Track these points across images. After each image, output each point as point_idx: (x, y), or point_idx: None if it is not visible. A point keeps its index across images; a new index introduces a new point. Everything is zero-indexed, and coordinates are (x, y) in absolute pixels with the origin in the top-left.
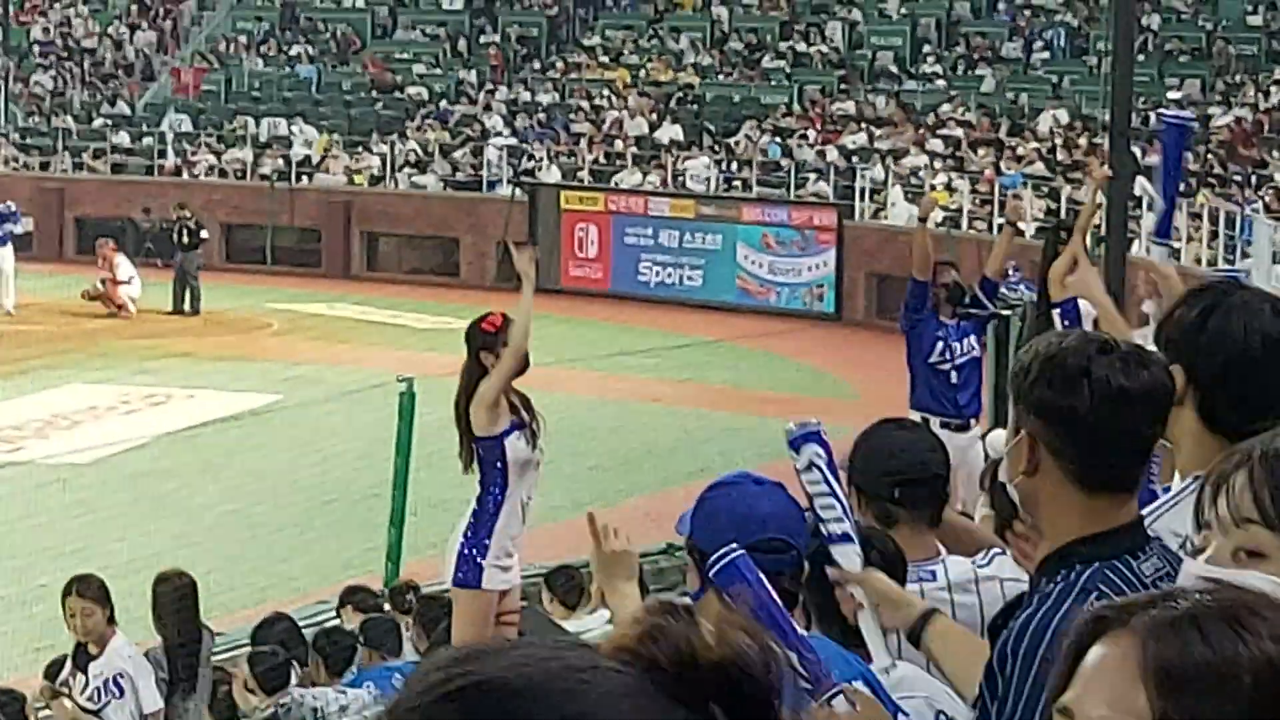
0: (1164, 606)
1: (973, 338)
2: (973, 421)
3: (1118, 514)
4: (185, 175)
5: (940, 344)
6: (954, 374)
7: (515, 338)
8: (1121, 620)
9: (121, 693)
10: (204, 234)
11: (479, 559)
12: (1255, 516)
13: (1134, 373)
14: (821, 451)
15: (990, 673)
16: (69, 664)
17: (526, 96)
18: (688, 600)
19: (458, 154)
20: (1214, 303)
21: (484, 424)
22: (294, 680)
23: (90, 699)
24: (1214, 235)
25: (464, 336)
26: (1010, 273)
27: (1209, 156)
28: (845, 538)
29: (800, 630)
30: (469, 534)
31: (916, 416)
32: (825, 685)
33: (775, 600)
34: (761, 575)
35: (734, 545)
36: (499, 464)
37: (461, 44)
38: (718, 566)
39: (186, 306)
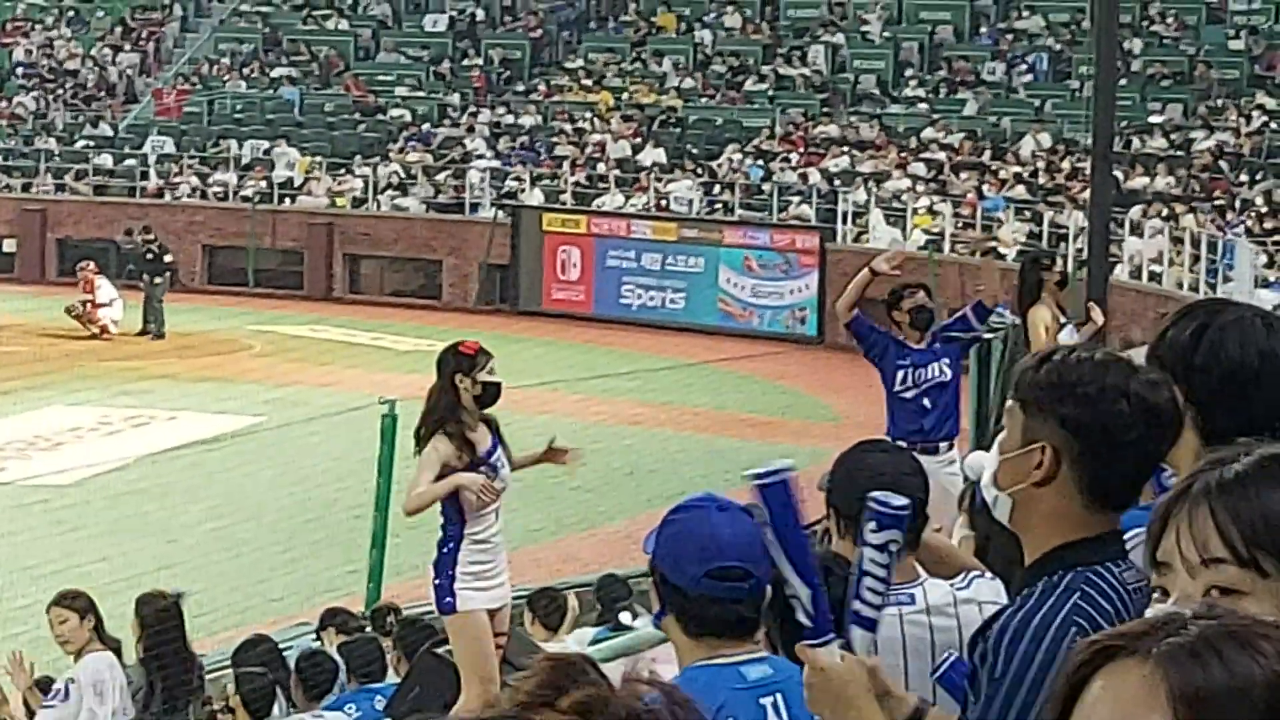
0: (1174, 632)
1: (944, 361)
2: (942, 445)
3: (1103, 525)
4: (168, 197)
5: (902, 372)
6: (924, 399)
7: (423, 497)
8: (1131, 649)
9: (67, 696)
10: (168, 258)
11: (450, 583)
12: (1225, 555)
13: (1160, 391)
14: (899, 539)
15: (973, 671)
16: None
17: (509, 119)
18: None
19: (440, 176)
20: (1206, 321)
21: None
22: (276, 704)
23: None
24: (1195, 259)
25: (436, 361)
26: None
27: (1191, 181)
28: (869, 623)
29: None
30: (437, 562)
31: None
32: (822, 630)
33: (801, 533)
34: (798, 505)
35: (790, 465)
36: (454, 501)
37: (444, 67)
38: (767, 480)
39: (152, 328)
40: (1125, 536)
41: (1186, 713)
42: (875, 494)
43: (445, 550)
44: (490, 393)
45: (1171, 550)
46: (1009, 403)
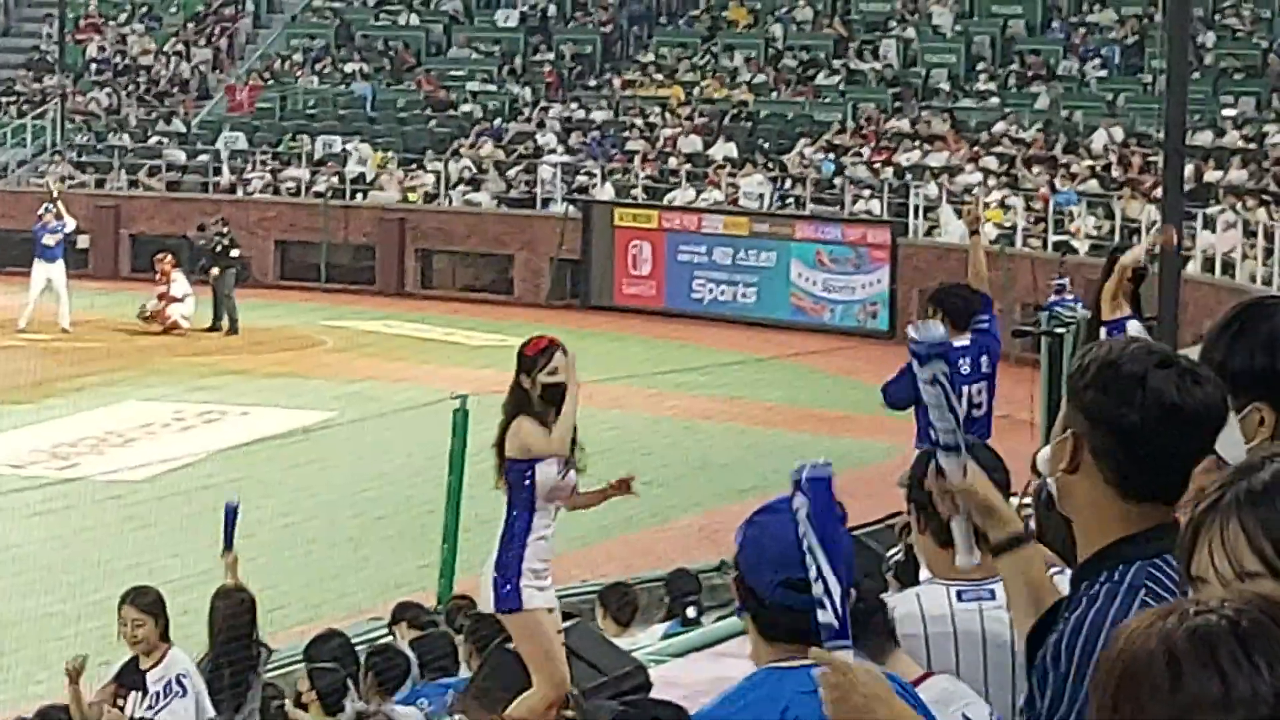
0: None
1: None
2: None
3: (1155, 517)
4: (240, 193)
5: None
6: None
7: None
8: None
9: (185, 691)
10: (235, 252)
11: (515, 581)
12: (1259, 568)
13: (1189, 390)
14: (946, 370)
15: (1042, 671)
16: (111, 680)
17: (580, 114)
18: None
19: (512, 171)
20: (1242, 323)
21: (516, 452)
22: (349, 698)
23: (149, 705)
24: (1269, 253)
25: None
26: (1065, 289)
27: (1265, 174)
28: (955, 448)
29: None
30: (500, 558)
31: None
32: (844, 633)
33: (842, 531)
34: (837, 504)
35: (828, 465)
36: (527, 487)
37: (516, 62)
38: (813, 476)
39: (224, 324)
40: None
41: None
42: (910, 332)
43: (512, 548)
44: (550, 394)
45: (1205, 565)
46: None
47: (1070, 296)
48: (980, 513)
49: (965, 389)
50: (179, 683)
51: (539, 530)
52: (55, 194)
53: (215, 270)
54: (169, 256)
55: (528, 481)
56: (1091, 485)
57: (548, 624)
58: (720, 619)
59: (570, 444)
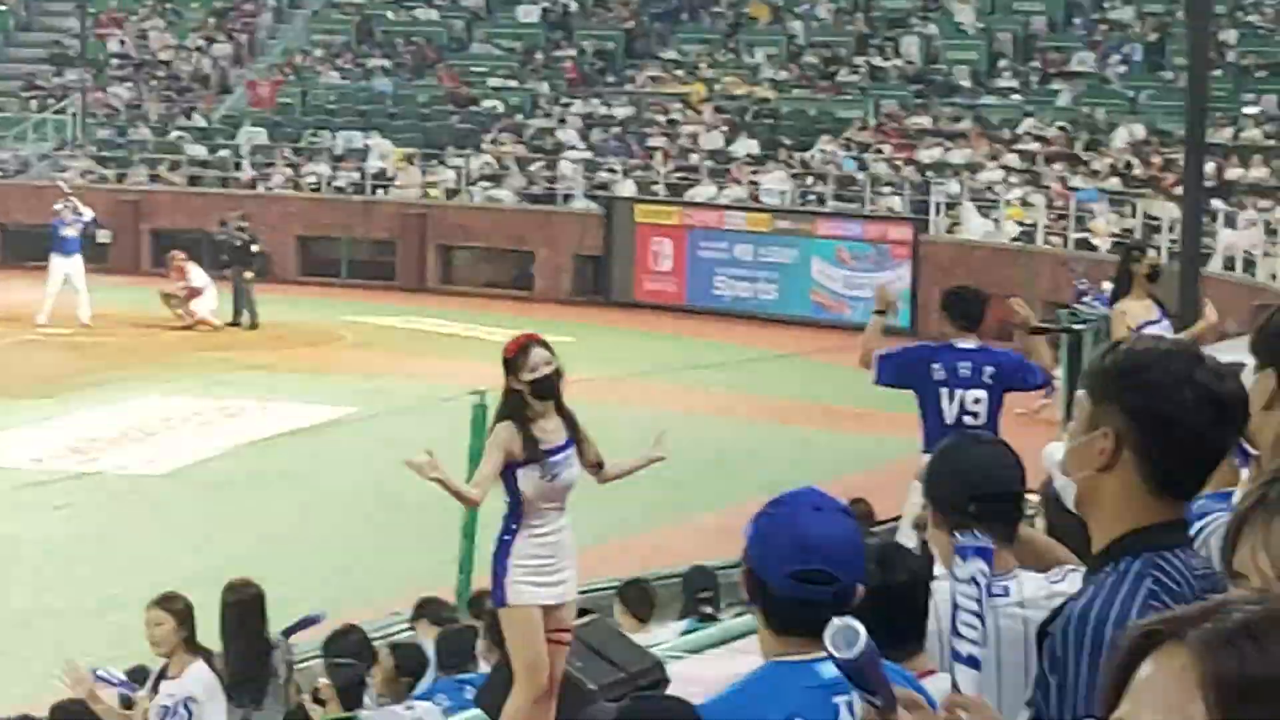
0: (1217, 618)
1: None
2: None
3: (1170, 513)
4: (261, 188)
5: None
6: None
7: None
8: (1174, 633)
9: (190, 716)
10: (255, 247)
11: (503, 575)
12: None
13: (1226, 382)
14: (986, 570)
15: (1048, 661)
16: (147, 686)
17: (602, 110)
18: None
19: (533, 167)
20: None
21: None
22: (368, 693)
23: (156, 716)
24: None
25: None
26: (1086, 289)
27: None
28: (972, 661)
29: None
30: (494, 555)
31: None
32: (889, 703)
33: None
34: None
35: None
36: (513, 493)
37: (537, 57)
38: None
39: (244, 319)
40: (1196, 525)
41: (1218, 700)
42: (959, 536)
43: (502, 542)
44: (539, 388)
45: (1247, 562)
46: (1079, 391)
47: (1089, 297)
48: None
49: (960, 393)
50: (185, 707)
51: (531, 528)
52: (68, 190)
53: (249, 274)
54: (179, 253)
55: (512, 487)
56: (1123, 483)
57: (534, 620)
58: (738, 615)
59: (576, 439)
